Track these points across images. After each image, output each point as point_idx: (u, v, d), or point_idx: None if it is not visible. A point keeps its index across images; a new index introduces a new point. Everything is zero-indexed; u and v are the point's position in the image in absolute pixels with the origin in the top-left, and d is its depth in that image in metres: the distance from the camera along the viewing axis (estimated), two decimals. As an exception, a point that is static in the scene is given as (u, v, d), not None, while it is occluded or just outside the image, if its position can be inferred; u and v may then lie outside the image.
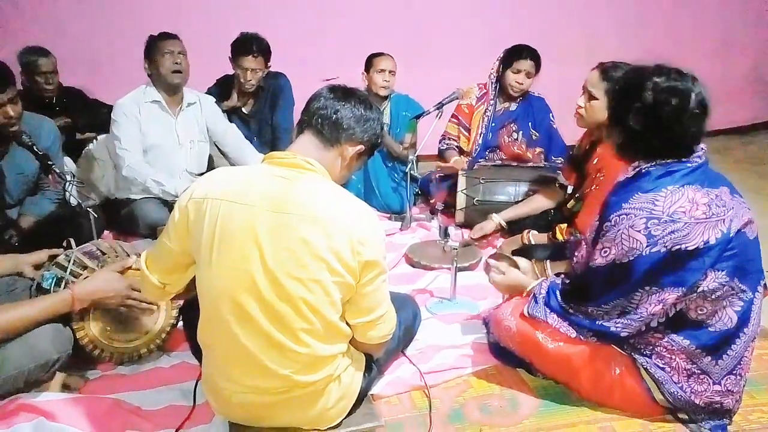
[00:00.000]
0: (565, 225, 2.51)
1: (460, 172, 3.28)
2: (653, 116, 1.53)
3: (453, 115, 3.54)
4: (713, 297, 1.54)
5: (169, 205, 2.92)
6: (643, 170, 1.58)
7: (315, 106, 1.51)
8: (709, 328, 1.57)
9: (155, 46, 3.01)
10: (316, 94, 1.54)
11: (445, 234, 2.63)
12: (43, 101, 3.48)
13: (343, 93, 1.53)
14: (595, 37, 5.19)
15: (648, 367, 1.63)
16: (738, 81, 5.67)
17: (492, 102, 3.48)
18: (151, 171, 3.02)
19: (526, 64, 3.34)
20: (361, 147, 1.53)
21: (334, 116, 1.49)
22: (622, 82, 1.64)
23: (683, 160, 1.56)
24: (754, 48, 5.86)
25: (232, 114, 3.57)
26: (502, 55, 3.43)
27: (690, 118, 1.52)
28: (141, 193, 3.04)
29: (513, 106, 3.49)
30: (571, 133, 3.34)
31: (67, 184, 2.37)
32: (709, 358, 1.58)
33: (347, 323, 1.51)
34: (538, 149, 3.48)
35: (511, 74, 3.38)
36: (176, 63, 3.01)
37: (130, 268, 1.92)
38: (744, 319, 1.58)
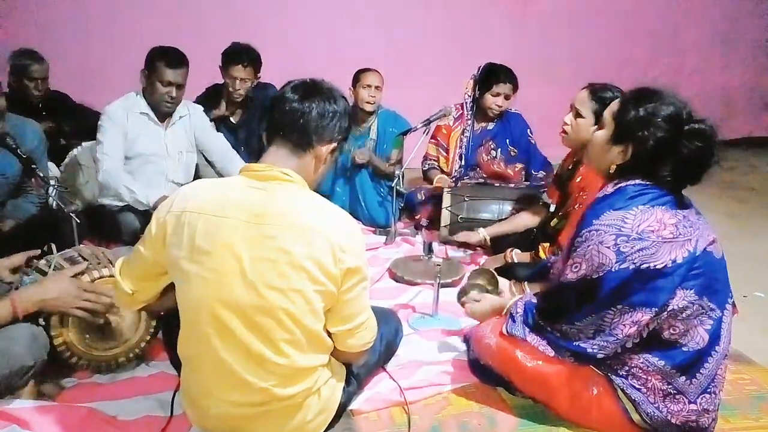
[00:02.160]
0: (548, 244, 2.54)
1: (444, 189, 3.30)
2: (680, 154, 1.56)
3: (432, 137, 3.58)
4: (683, 315, 1.57)
5: (149, 216, 2.89)
6: (621, 187, 1.62)
7: (280, 113, 1.48)
8: (683, 348, 1.60)
9: (158, 67, 2.91)
10: (279, 99, 1.50)
11: (429, 250, 2.64)
12: (29, 105, 3.45)
13: (304, 91, 1.49)
14: (580, 54, 5.35)
15: (624, 388, 1.65)
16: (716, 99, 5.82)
17: (469, 122, 3.53)
18: (126, 178, 2.97)
19: (505, 87, 3.41)
20: (333, 144, 1.52)
21: (302, 121, 1.46)
22: (648, 110, 1.59)
23: (660, 186, 1.59)
24: (730, 67, 6.02)
25: (220, 123, 3.58)
26: (476, 75, 3.47)
27: (710, 161, 1.56)
28: (114, 199, 3.00)
29: (490, 125, 3.55)
30: (552, 150, 3.41)
31: (50, 188, 2.35)
32: (684, 377, 1.61)
33: (328, 333, 1.51)
34: (518, 165, 3.53)
35: (490, 97, 3.44)
36: (171, 96, 2.95)
37: (80, 273, 1.87)
38: (714, 337, 1.61)
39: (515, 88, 3.44)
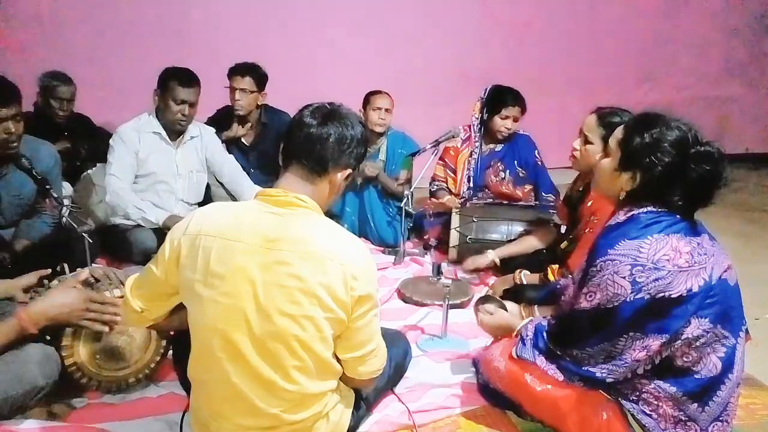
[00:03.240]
0: (557, 266, 2.53)
1: (453, 210, 3.31)
2: (688, 178, 1.56)
3: (440, 158, 3.60)
4: (698, 344, 1.56)
5: (163, 234, 2.92)
6: (634, 215, 1.61)
7: (297, 139, 1.48)
8: (695, 375, 1.58)
9: (170, 87, 2.98)
10: (297, 123, 1.50)
11: (438, 271, 2.64)
12: (51, 125, 3.54)
13: (323, 116, 1.49)
14: (575, 68, 5.46)
15: (635, 414, 1.64)
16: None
17: (477, 144, 3.55)
18: (135, 198, 3.03)
19: (513, 110, 3.44)
20: (348, 170, 1.53)
21: (319, 146, 1.46)
22: (654, 136, 1.59)
23: (672, 211, 1.59)
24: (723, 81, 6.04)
25: (232, 144, 3.62)
26: (483, 98, 3.51)
27: (719, 182, 1.56)
28: (122, 219, 3.04)
29: (498, 147, 3.57)
30: (554, 161, 3.51)
31: (64, 208, 2.38)
32: (696, 404, 1.59)
33: (337, 359, 1.51)
34: (527, 187, 3.54)
35: (499, 120, 3.47)
36: (183, 115, 3.03)
37: (90, 284, 1.87)
38: (728, 365, 1.60)
39: (523, 110, 3.48)
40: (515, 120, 3.46)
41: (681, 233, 1.57)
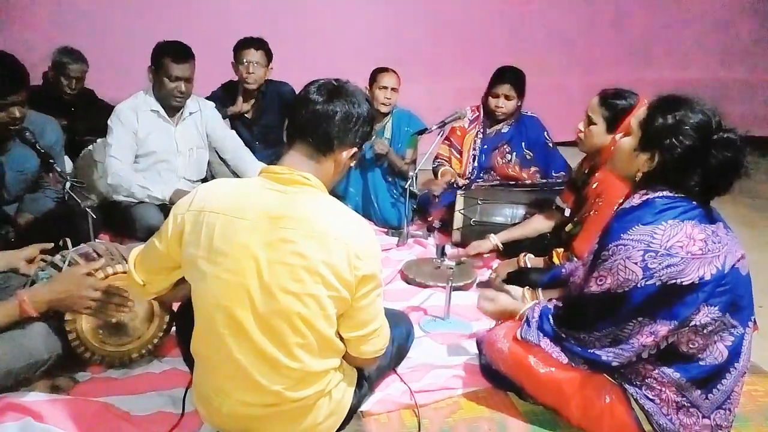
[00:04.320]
0: (562, 249, 2.52)
1: (458, 192, 3.29)
2: (708, 164, 1.54)
3: (446, 137, 3.58)
4: (705, 331, 1.55)
5: (166, 210, 2.92)
6: (649, 199, 1.59)
7: (302, 116, 1.45)
8: (700, 362, 1.58)
9: (164, 63, 2.92)
10: (302, 100, 1.47)
11: (442, 253, 2.63)
12: (59, 100, 3.53)
13: (329, 93, 1.46)
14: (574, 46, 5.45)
15: (638, 398, 1.64)
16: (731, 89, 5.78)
17: (482, 124, 3.52)
18: (137, 177, 3.01)
19: (504, 88, 3.40)
20: (354, 149, 1.51)
21: (325, 125, 1.44)
22: (676, 118, 1.56)
23: (688, 197, 1.57)
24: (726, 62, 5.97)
25: (235, 119, 3.59)
26: None
27: (739, 171, 1.54)
28: (127, 199, 3.03)
29: (505, 128, 3.53)
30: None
31: (67, 183, 2.37)
32: (699, 391, 1.59)
33: (340, 337, 1.51)
34: (533, 169, 3.51)
35: (491, 99, 3.45)
36: (180, 91, 2.97)
37: (92, 273, 1.85)
38: (734, 354, 1.59)
39: (518, 88, 3.41)
40: (507, 98, 3.41)
41: (696, 220, 1.54)
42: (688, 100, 1.59)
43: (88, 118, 3.68)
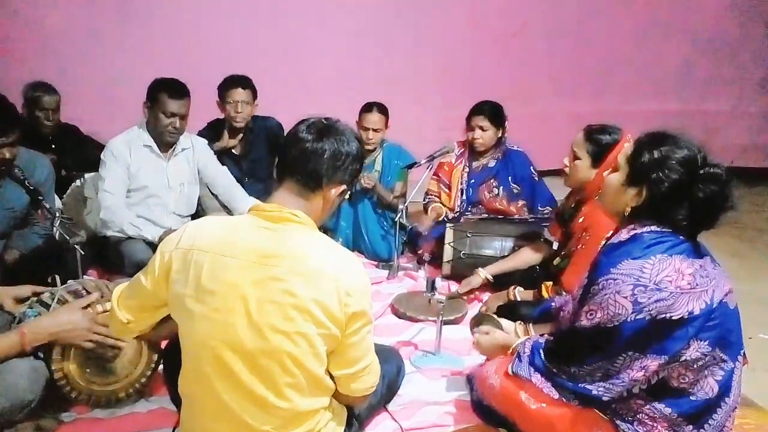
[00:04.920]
0: (551, 283, 2.53)
1: (447, 225, 3.31)
2: (695, 198, 1.56)
3: (434, 173, 3.62)
4: (695, 366, 1.56)
5: (155, 246, 2.91)
6: (637, 234, 1.61)
7: (292, 154, 1.47)
8: (691, 397, 1.58)
9: (160, 99, 2.96)
10: (292, 137, 1.49)
11: (432, 287, 2.64)
12: (38, 136, 3.51)
13: (318, 132, 1.48)
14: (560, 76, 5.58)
15: (629, 434, 1.63)
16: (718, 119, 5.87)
17: (468, 159, 3.57)
18: (130, 215, 3.01)
19: (478, 119, 3.46)
20: (343, 187, 1.52)
21: (313, 163, 1.45)
22: (662, 153, 1.59)
23: (675, 232, 1.59)
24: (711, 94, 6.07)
25: (223, 155, 3.61)
26: None
27: (725, 205, 1.57)
28: (117, 234, 3.02)
29: (491, 162, 3.57)
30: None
31: (56, 219, 2.37)
32: (691, 426, 1.59)
33: (330, 376, 1.50)
34: (521, 202, 3.54)
35: (468, 132, 3.51)
36: (174, 127, 3.01)
37: (90, 304, 1.86)
38: (725, 388, 1.59)
39: (494, 119, 3.45)
40: (482, 129, 3.45)
41: (684, 254, 1.56)
42: (674, 136, 1.63)
43: (73, 153, 3.67)
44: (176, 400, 1.68)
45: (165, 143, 3.09)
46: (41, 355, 1.80)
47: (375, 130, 3.54)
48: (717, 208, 1.58)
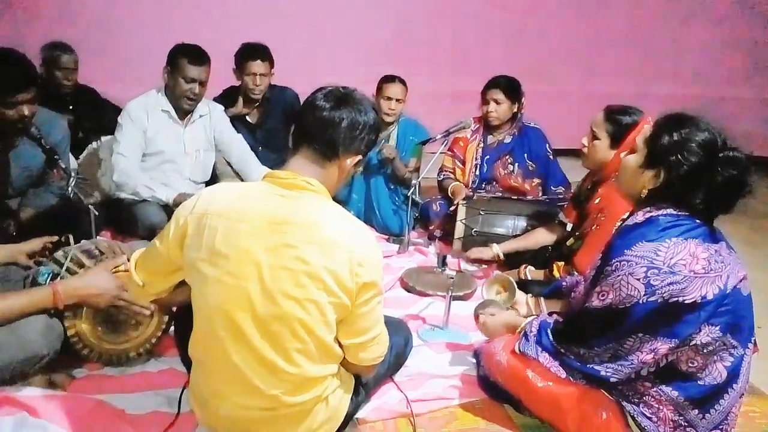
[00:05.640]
0: (563, 263, 2.52)
1: (460, 202, 3.30)
2: (713, 182, 1.54)
3: (449, 149, 3.58)
4: (705, 351, 1.55)
5: (168, 210, 2.93)
6: (653, 217, 1.59)
7: (309, 122, 1.46)
8: (699, 382, 1.58)
9: (181, 64, 2.95)
10: (309, 105, 1.48)
11: (443, 262, 2.63)
12: (57, 96, 3.52)
13: (336, 100, 1.47)
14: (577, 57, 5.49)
15: (635, 415, 1.63)
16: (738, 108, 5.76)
17: (483, 135, 3.53)
18: (143, 177, 3.02)
19: (493, 92, 3.41)
20: (358, 157, 1.52)
21: (331, 131, 1.44)
22: (682, 135, 1.57)
23: (692, 216, 1.58)
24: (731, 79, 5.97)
25: (237, 122, 3.60)
26: None
27: (743, 190, 1.55)
28: (131, 196, 3.04)
29: (507, 138, 3.52)
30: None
31: (71, 179, 2.38)
32: (697, 411, 1.59)
33: (339, 344, 1.51)
34: (535, 180, 3.51)
35: (483, 106, 3.47)
36: (194, 93, 3.00)
37: (119, 267, 1.88)
38: (733, 374, 1.59)
39: (509, 93, 3.40)
40: (497, 102, 3.40)
41: (699, 239, 1.55)
42: (695, 118, 1.60)
43: (90, 115, 3.69)
44: (186, 362, 1.70)
45: (183, 109, 3.08)
46: (52, 312, 1.82)
47: (398, 101, 3.51)
48: (735, 192, 1.56)
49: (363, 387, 1.71)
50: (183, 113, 3.11)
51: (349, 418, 1.64)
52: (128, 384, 1.94)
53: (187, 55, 2.96)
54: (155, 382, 1.96)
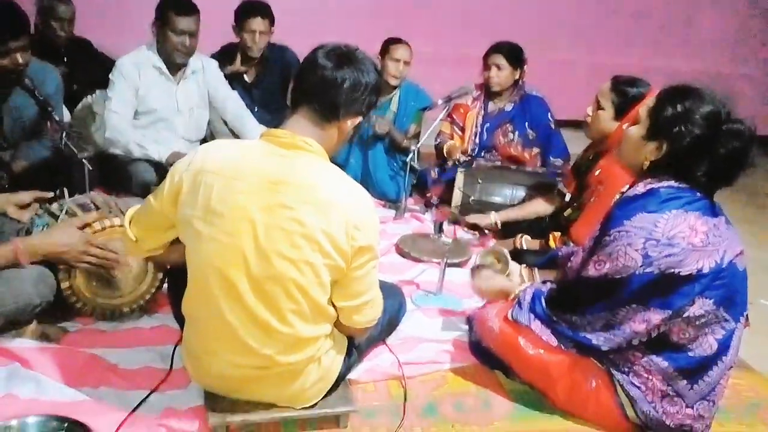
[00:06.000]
0: (559, 233, 2.52)
1: (459, 170, 3.27)
2: (716, 154, 1.53)
3: (448, 114, 3.52)
4: (697, 323, 1.56)
5: (159, 169, 2.89)
6: (654, 188, 1.58)
7: (310, 82, 1.42)
8: (689, 353, 1.59)
9: (169, 16, 2.87)
10: (310, 64, 1.43)
11: (440, 229, 2.63)
12: (50, 48, 3.44)
13: (338, 59, 1.42)
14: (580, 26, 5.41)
15: (624, 384, 1.65)
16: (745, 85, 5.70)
17: (484, 102, 3.48)
18: (135, 135, 2.97)
19: (495, 57, 3.36)
20: (359, 118, 1.49)
21: (332, 93, 1.40)
22: (686, 107, 1.55)
23: (693, 188, 1.56)
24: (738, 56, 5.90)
25: (234, 81, 3.54)
26: None
27: (745, 163, 1.54)
28: (123, 155, 3.00)
29: (508, 106, 3.48)
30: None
31: (64, 132, 2.34)
32: (685, 381, 1.60)
33: (333, 305, 1.50)
34: (535, 150, 3.48)
35: (485, 72, 3.41)
36: (185, 46, 2.92)
37: (89, 224, 1.86)
38: (724, 347, 1.60)
39: (510, 59, 3.35)
40: (499, 68, 3.35)
41: (699, 212, 1.54)
42: (699, 90, 1.58)
43: (85, 68, 3.61)
44: (179, 319, 1.70)
45: (175, 64, 3.02)
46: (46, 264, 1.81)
47: (405, 63, 3.44)
48: (737, 165, 1.55)
49: (356, 348, 1.72)
50: (175, 69, 3.05)
51: (341, 378, 1.66)
52: (121, 339, 1.95)
53: (174, 7, 2.87)
54: (148, 338, 1.97)
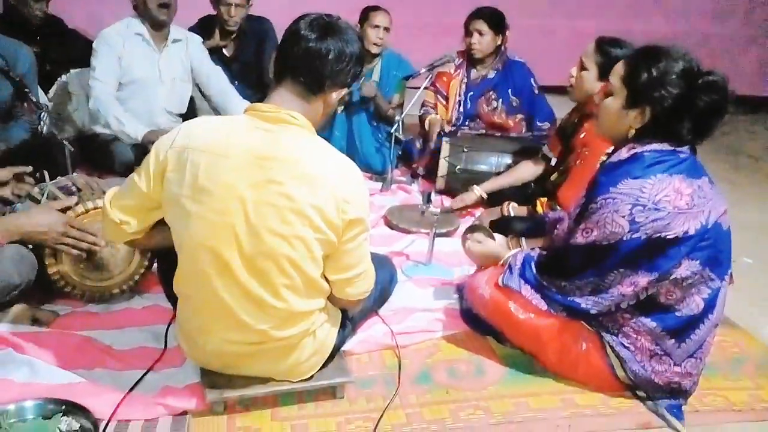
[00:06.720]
0: (546, 199, 2.54)
1: (444, 139, 3.26)
2: (696, 108, 1.53)
3: (432, 83, 3.50)
4: (684, 284, 1.59)
5: (139, 149, 2.86)
6: (637, 153, 1.59)
7: (294, 52, 1.39)
8: (677, 313, 1.62)
9: None
10: (293, 35, 1.39)
11: (428, 199, 2.63)
12: (21, 26, 3.33)
13: (321, 30, 1.39)
14: None
15: (614, 345, 1.68)
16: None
17: (466, 70, 3.46)
18: (117, 108, 2.94)
19: (476, 23, 3.33)
20: (344, 90, 1.47)
21: (317, 63, 1.38)
22: (660, 69, 1.55)
23: (677, 150, 1.57)
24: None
25: (213, 55, 3.48)
26: None
27: (723, 112, 1.54)
28: (102, 129, 2.97)
29: (491, 74, 3.46)
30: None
31: (43, 113, 2.30)
32: (673, 340, 1.64)
33: (326, 279, 1.51)
34: (519, 116, 3.47)
35: (466, 38, 3.37)
36: (164, 1, 2.89)
37: (70, 207, 1.83)
38: (710, 306, 1.63)
39: (493, 25, 3.32)
40: (480, 34, 3.32)
41: (683, 174, 1.56)
42: (665, 49, 1.58)
43: (58, 46, 3.51)
44: (171, 298, 1.69)
45: (158, 23, 2.98)
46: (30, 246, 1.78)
47: (386, 29, 3.39)
48: (718, 114, 1.55)
49: (349, 321, 1.73)
50: (159, 37, 3.01)
51: (336, 350, 1.67)
52: (113, 320, 1.94)
53: None
54: (140, 319, 1.96)
